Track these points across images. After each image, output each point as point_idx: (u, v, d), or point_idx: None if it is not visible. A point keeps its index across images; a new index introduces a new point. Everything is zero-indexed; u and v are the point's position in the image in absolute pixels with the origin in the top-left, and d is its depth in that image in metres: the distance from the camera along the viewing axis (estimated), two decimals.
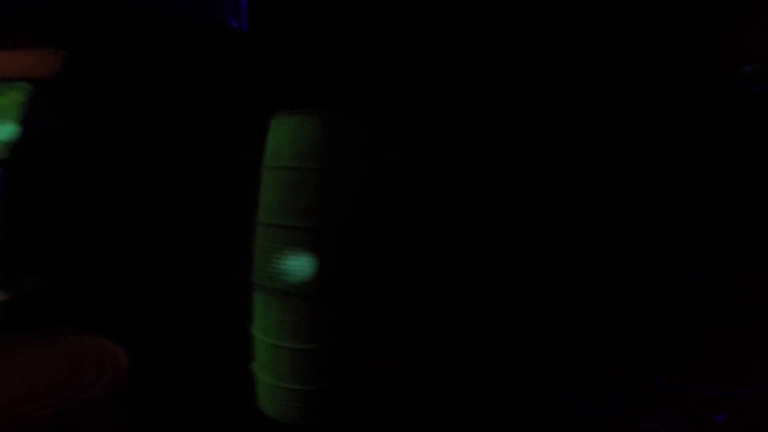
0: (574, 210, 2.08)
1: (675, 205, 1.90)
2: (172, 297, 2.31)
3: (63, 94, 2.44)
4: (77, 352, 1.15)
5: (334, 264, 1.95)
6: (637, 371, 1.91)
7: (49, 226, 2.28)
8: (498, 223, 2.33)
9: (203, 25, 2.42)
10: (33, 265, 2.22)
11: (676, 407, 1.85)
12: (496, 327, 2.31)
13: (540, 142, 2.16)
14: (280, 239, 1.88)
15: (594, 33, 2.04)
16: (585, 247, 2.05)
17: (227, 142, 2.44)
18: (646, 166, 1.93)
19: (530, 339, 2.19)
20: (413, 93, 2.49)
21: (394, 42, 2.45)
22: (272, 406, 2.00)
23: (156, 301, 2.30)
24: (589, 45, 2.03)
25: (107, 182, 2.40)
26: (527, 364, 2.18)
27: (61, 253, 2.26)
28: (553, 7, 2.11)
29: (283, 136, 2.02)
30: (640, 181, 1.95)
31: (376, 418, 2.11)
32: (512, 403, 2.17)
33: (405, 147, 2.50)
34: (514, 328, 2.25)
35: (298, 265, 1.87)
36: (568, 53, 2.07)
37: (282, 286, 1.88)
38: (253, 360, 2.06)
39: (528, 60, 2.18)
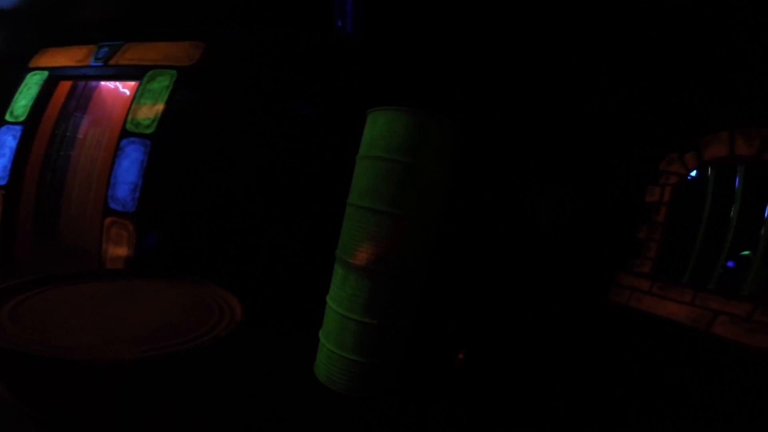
0: None
1: None
2: (268, 259, 2.59)
3: (202, 81, 2.90)
4: (204, 298, 1.28)
5: (413, 249, 2.06)
6: None
7: (179, 193, 2.71)
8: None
9: (313, 24, 2.70)
10: (164, 225, 2.65)
11: None
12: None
13: None
14: (367, 220, 2.04)
15: None
16: None
17: (329, 131, 2.68)
18: None
19: None
20: (500, 99, 2.54)
21: (488, 48, 2.52)
22: (327, 373, 2.12)
23: (256, 261, 2.61)
24: None
25: (228, 160, 2.79)
26: None
27: (188, 217, 2.67)
28: None
29: (379, 130, 2.18)
30: None
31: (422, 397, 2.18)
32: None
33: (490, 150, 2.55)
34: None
35: None
36: None
37: (363, 263, 2.03)
38: (322, 327, 2.23)
39: None
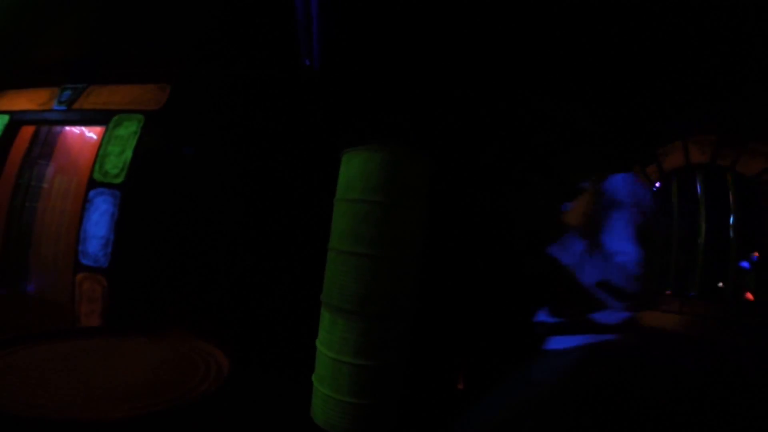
0: None
1: None
2: (253, 308, 2.56)
3: (170, 125, 2.85)
4: (186, 353, 1.28)
5: (397, 288, 2.07)
6: None
7: (153, 245, 2.64)
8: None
9: (281, 64, 2.72)
10: (139, 279, 2.57)
11: None
12: None
13: None
14: (349, 264, 2.04)
15: None
16: None
17: (305, 175, 2.68)
18: None
19: None
20: (471, 134, 2.60)
21: (457, 81, 2.59)
22: (325, 417, 2.08)
23: (240, 310, 2.57)
24: None
25: (203, 205, 2.75)
26: None
27: (164, 269, 2.60)
28: None
29: (354, 171, 2.18)
30: None
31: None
32: None
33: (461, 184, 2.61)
34: None
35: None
36: None
37: (347, 306, 2.03)
38: (314, 372, 2.19)
39: None
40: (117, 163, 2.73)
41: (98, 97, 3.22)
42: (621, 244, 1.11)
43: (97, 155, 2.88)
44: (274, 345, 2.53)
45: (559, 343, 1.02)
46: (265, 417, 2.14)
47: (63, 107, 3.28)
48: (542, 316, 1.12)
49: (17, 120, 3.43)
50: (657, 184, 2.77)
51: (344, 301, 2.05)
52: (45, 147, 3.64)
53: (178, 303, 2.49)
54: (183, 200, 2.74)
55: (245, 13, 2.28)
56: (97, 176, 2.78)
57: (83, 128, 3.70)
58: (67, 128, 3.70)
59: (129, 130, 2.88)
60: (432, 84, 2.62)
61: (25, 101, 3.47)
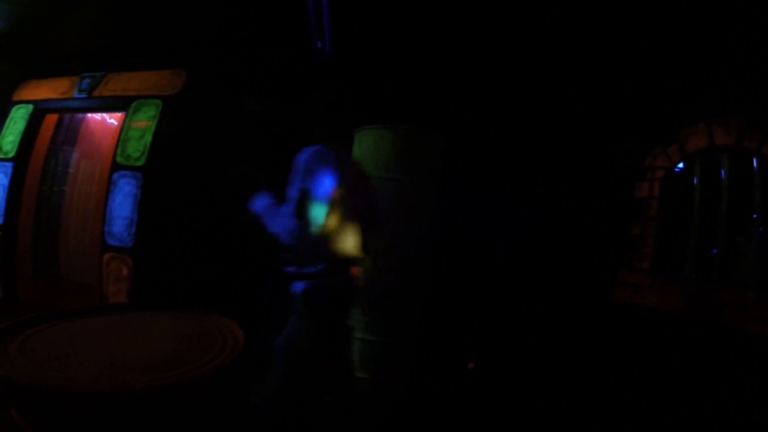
0: None
1: None
2: (269, 283, 2.64)
3: (187, 109, 2.91)
4: (207, 328, 1.33)
5: (409, 266, 2.10)
6: None
7: (175, 224, 2.73)
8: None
9: (293, 47, 2.72)
10: (163, 258, 2.68)
11: None
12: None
13: None
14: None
15: None
16: None
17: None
18: None
19: None
20: (482, 106, 2.56)
21: (467, 56, 2.54)
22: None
23: (257, 286, 2.66)
24: None
25: (222, 186, 2.81)
26: None
27: (187, 248, 2.70)
28: None
29: (365, 149, 2.22)
30: None
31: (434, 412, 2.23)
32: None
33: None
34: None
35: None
36: None
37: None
38: None
39: None
40: (138, 147, 2.82)
41: (116, 84, 3.30)
42: (288, 206, 1.44)
43: (118, 140, 2.97)
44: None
45: (297, 286, 1.43)
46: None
47: (84, 95, 3.38)
48: (287, 268, 1.45)
49: (41, 109, 3.55)
50: (680, 165, 2.68)
51: None
52: (69, 134, 3.76)
53: (199, 280, 2.59)
54: (202, 181, 2.82)
55: None
56: (119, 159, 2.87)
57: (104, 114, 3.80)
58: (89, 115, 3.81)
59: (148, 114, 2.96)
60: (443, 64, 2.58)
61: (47, 90, 3.57)
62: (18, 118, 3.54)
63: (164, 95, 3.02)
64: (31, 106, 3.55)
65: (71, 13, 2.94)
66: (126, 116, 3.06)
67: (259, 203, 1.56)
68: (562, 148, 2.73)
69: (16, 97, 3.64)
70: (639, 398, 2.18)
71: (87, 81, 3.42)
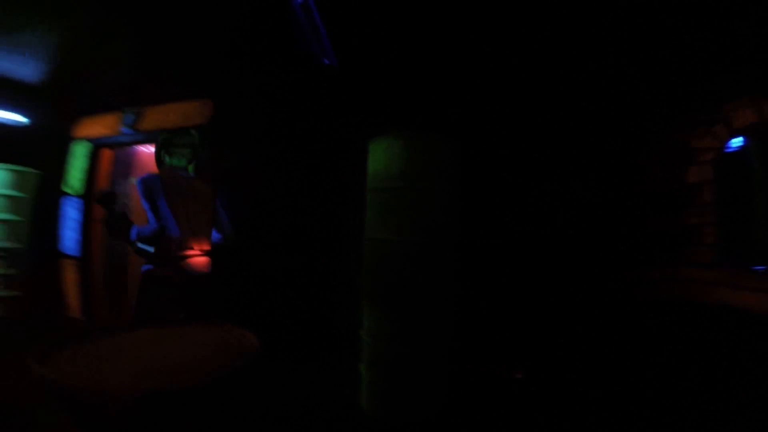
0: None
1: None
2: (297, 302, 2.80)
3: (216, 135, 3.11)
4: (225, 337, 1.44)
5: (432, 274, 2.10)
6: None
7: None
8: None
9: (302, 67, 2.78)
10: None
11: None
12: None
13: None
14: (381, 252, 2.12)
15: None
16: None
17: (340, 169, 2.77)
18: None
19: None
20: (499, 103, 2.46)
21: (477, 53, 2.44)
22: (371, 404, 2.19)
23: (284, 305, 2.83)
24: None
25: (252, 204, 3.00)
26: None
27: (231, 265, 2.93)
28: None
29: (378, 160, 2.22)
30: None
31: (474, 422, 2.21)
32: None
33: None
34: None
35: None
36: None
37: (383, 293, 2.12)
38: (360, 360, 2.31)
39: None
40: None
41: (155, 116, 3.59)
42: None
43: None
44: (322, 337, 2.73)
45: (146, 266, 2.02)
46: (318, 402, 2.30)
47: (129, 130, 3.71)
48: (140, 247, 1.98)
49: (97, 144, 3.95)
50: (732, 143, 2.40)
51: (379, 288, 2.15)
52: (124, 166, 4.16)
53: (233, 297, 2.81)
54: (235, 203, 3.02)
55: (259, 27, 2.37)
56: None
57: (149, 146, 4.15)
58: (139, 147, 4.18)
59: (187, 142, 3.18)
60: (453, 63, 2.51)
61: (99, 127, 3.96)
62: (79, 154, 3.96)
63: (197, 124, 3.24)
64: (89, 143, 3.95)
65: (109, 54, 3.22)
66: None
67: (133, 232, 2.02)
68: (594, 136, 2.55)
69: (75, 133, 4.03)
70: (717, 405, 1.98)
71: (130, 116, 3.75)
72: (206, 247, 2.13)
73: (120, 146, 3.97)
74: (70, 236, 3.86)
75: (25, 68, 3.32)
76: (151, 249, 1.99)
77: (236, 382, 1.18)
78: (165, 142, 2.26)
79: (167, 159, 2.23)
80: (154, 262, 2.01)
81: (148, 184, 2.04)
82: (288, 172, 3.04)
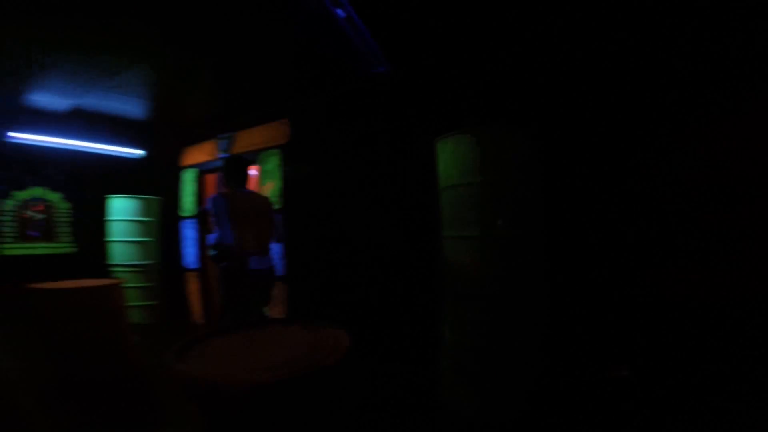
0: None
1: None
2: (382, 300, 2.91)
3: (297, 152, 3.39)
4: (319, 337, 1.57)
5: (513, 269, 2.05)
6: None
7: (313, 256, 3.22)
8: None
9: (363, 77, 2.87)
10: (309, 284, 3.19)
11: None
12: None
13: None
14: (459, 249, 2.13)
15: None
16: None
17: (418, 171, 2.81)
18: None
19: None
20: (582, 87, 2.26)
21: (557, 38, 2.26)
22: (454, 401, 2.17)
23: (369, 303, 2.98)
24: None
25: (336, 213, 3.21)
26: None
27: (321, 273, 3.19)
28: None
29: (448, 158, 2.23)
30: None
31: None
32: None
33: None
34: None
35: None
36: None
37: (463, 290, 2.12)
38: (443, 357, 2.31)
39: None
40: (274, 192, 3.40)
41: (245, 140, 4.01)
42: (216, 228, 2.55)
43: (259, 188, 3.64)
44: (407, 332, 2.80)
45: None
46: (401, 398, 2.37)
47: (225, 154, 4.19)
48: (211, 252, 2.52)
49: (202, 170, 4.55)
50: None
51: (460, 285, 2.16)
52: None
53: (328, 299, 3.02)
54: (320, 214, 3.26)
55: (315, 48, 2.55)
56: None
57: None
58: None
59: (274, 163, 3.53)
60: (528, 50, 2.36)
61: (201, 154, 4.54)
62: (189, 180, 4.61)
63: (280, 144, 3.55)
64: (195, 170, 4.57)
65: (197, 88, 3.63)
66: (260, 167, 3.70)
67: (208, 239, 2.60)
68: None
69: (183, 162, 4.68)
70: None
71: (224, 142, 4.24)
72: (264, 249, 2.64)
73: (219, 171, 4.50)
74: (190, 252, 4.52)
75: (136, 108, 3.91)
76: (215, 252, 2.50)
77: (330, 376, 1.28)
78: (224, 169, 2.74)
79: (228, 182, 2.73)
80: (217, 262, 2.53)
81: (214, 203, 2.54)
82: (362, 179, 3.15)
